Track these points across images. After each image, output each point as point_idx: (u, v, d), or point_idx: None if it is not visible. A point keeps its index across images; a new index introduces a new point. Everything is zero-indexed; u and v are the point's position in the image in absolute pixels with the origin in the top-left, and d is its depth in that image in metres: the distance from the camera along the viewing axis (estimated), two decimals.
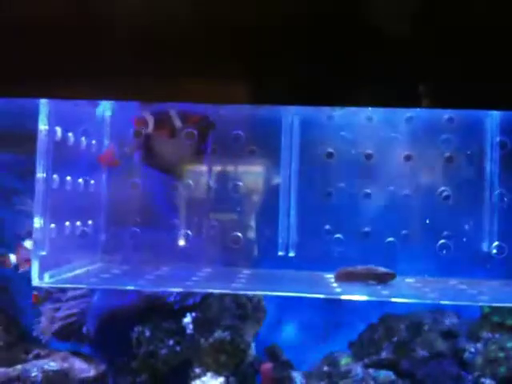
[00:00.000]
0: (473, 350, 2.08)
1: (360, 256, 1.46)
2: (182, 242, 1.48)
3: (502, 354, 1.98)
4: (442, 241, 1.49)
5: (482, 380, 2.01)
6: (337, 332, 2.25)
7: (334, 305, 2.18)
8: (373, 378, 2.09)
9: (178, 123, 1.40)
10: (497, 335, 2.05)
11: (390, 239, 1.48)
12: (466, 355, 2.09)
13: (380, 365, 2.12)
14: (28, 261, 1.29)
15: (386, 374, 2.08)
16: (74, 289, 1.90)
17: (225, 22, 0.93)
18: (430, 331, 2.14)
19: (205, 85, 0.94)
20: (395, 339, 2.13)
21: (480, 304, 1.30)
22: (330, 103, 1.09)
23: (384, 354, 2.13)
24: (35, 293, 1.85)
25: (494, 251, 1.48)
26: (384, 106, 1.17)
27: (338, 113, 1.49)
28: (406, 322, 2.15)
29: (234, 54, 0.94)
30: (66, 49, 0.94)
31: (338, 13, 0.92)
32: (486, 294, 1.27)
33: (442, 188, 1.50)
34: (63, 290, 1.94)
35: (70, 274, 1.33)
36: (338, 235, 1.49)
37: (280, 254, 1.41)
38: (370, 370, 2.11)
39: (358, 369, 2.12)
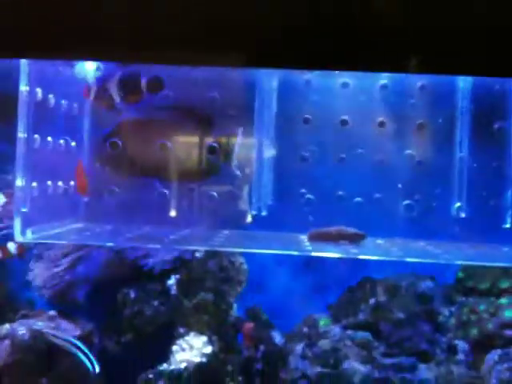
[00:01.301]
0: (447, 313, 2.14)
1: (333, 218, 1.51)
2: (161, 203, 1.52)
3: (473, 317, 2.03)
4: (412, 203, 1.55)
5: (455, 342, 2.06)
6: (316, 295, 2.30)
7: (313, 268, 2.23)
8: (350, 339, 2.15)
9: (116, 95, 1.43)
10: (470, 299, 2.10)
11: (360, 200, 1.53)
12: (440, 318, 2.14)
13: (358, 326, 2.17)
14: None
15: (363, 335, 2.14)
16: (61, 251, 1.93)
17: None
18: (406, 294, 2.19)
19: (201, 47, 0.93)
20: (373, 302, 2.18)
21: (442, 262, 1.35)
22: (328, 67, 1.06)
23: (361, 316, 2.18)
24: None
25: (463, 215, 1.53)
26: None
27: (314, 77, 1.52)
28: (384, 285, 2.20)
29: (231, 17, 0.92)
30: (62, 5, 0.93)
31: None
32: (449, 253, 1.33)
33: (414, 153, 1.55)
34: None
35: (52, 232, 1.37)
36: (310, 197, 1.54)
37: (253, 212, 1.46)
38: (348, 331, 2.16)
39: (336, 330, 2.17)
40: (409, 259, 1.29)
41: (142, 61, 1.12)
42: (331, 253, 1.31)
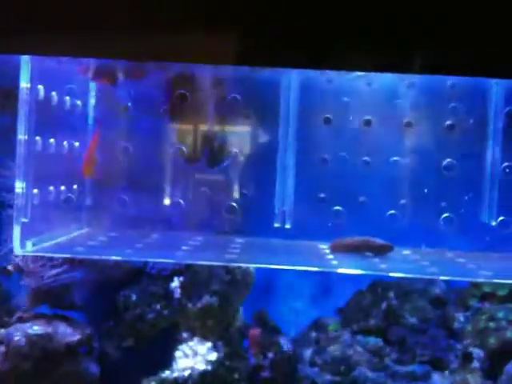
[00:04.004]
0: (462, 319, 2.07)
1: (356, 226, 1.41)
2: (172, 209, 1.42)
3: (492, 325, 1.96)
4: (440, 212, 1.45)
5: (471, 349, 1.99)
6: (325, 298, 2.24)
7: (322, 271, 2.15)
8: (361, 345, 2.08)
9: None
10: (487, 305, 2.03)
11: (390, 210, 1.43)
12: (455, 324, 2.07)
13: (368, 331, 2.11)
14: None
15: (374, 341, 2.07)
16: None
17: None
18: (419, 299, 2.12)
19: (203, 45, 0.90)
20: (384, 306, 2.12)
21: (481, 279, 1.25)
22: (329, 67, 1.03)
23: (372, 321, 2.12)
24: None
25: (493, 223, 1.43)
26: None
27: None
28: (395, 289, 2.13)
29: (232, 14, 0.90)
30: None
31: None
32: (485, 268, 1.23)
33: (443, 158, 1.44)
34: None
35: (54, 242, 1.27)
36: (336, 206, 1.43)
37: (276, 225, 1.35)
38: (359, 337, 2.10)
39: (347, 335, 2.11)
40: (445, 277, 1.19)
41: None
42: (359, 270, 1.20)
